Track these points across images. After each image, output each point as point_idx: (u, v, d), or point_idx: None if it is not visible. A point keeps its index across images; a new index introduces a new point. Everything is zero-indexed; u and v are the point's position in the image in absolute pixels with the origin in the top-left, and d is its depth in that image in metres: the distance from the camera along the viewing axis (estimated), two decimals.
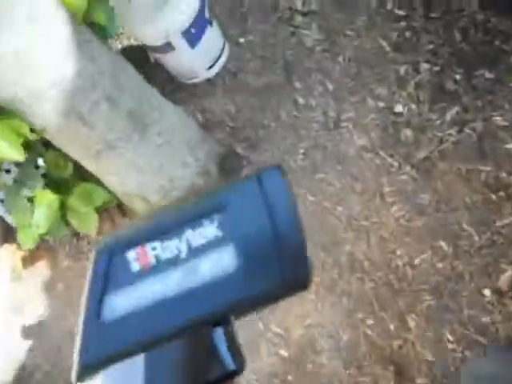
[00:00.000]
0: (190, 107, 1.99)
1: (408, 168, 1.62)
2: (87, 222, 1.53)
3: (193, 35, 1.79)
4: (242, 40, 2.04)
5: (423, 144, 1.64)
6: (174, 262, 0.26)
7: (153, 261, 0.26)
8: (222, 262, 0.26)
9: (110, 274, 0.26)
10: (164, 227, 0.27)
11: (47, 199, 1.46)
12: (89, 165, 1.35)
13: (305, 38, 1.97)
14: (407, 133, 1.67)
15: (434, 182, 1.58)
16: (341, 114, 1.77)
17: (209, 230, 0.27)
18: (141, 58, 2.03)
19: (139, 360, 0.24)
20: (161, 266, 0.26)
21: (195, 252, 0.26)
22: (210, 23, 1.87)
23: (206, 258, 0.26)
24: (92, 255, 0.27)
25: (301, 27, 1.99)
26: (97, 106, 1.17)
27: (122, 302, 0.26)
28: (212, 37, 1.88)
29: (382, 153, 1.66)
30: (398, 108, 1.72)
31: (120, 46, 2.16)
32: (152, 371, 0.24)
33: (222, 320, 0.26)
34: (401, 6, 1.91)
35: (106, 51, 1.19)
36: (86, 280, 0.27)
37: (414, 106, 1.70)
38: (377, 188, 1.62)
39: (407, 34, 1.86)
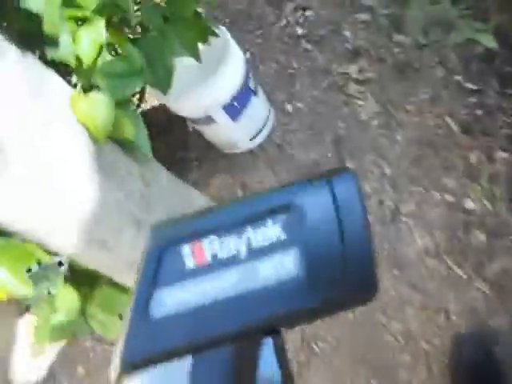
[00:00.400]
0: (229, 181, 1.81)
1: (479, 282, 1.37)
2: (110, 329, 1.36)
3: (235, 108, 1.60)
4: (288, 107, 1.84)
5: (499, 253, 1.39)
6: (231, 261, 0.24)
7: (209, 258, 0.25)
8: (283, 266, 0.24)
9: (161, 267, 0.24)
10: (224, 222, 0.25)
11: (69, 298, 1.31)
12: (114, 277, 1.18)
13: (359, 110, 1.75)
14: (480, 237, 1.43)
15: (510, 303, 1.32)
16: (400, 206, 1.54)
17: (272, 231, 0.25)
18: (178, 123, 1.87)
19: (184, 363, 0.22)
20: (217, 265, 0.24)
21: (255, 253, 0.24)
22: (255, 93, 1.68)
23: (267, 261, 0.24)
24: (144, 244, 0.25)
25: (355, 96, 1.78)
26: (121, 233, 0.99)
27: (172, 299, 0.24)
28: (256, 108, 1.69)
29: (448, 260, 1.42)
30: (469, 204, 1.48)
31: (151, 107, 2.01)
32: (196, 376, 0.22)
33: (275, 330, 0.24)
34: (472, 78, 1.67)
35: (136, 168, 1.01)
36: (137, 272, 0.25)
37: (488, 204, 1.46)
38: (441, 303, 1.38)
39: (479, 112, 1.62)
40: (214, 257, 0.25)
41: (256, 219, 0.25)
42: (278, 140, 1.80)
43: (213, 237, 0.25)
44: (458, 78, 1.69)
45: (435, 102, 1.66)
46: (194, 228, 0.26)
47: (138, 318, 0.24)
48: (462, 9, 1.78)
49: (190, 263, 0.25)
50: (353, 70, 1.81)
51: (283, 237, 0.24)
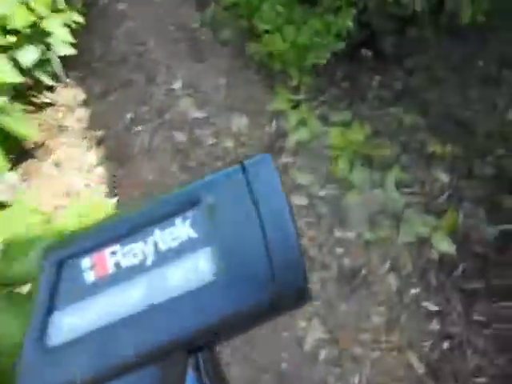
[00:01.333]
0: None
1: None
2: None
3: None
4: None
5: None
6: (137, 270, 0.21)
7: (111, 269, 0.21)
8: (196, 269, 0.20)
9: (59, 286, 0.20)
10: (126, 228, 0.21)
11: None
12: None
13: (300, 335, 1.41)
14: None
15: None
16: None
17: (181, 230, 0.21)
18: None
19: None
20: (121, 276, 0.21)
21: (164, 257, 0.21)
22: None
23: (178, 265, 0.21)
24: (39, 263, 0.21)
25: (295, 318, 1.44)
26: None
27: (71, 322, 0.20)
28: None
29: None
30: None
31: None
32: None
33: (200, 345, 0.20)
34: (430, 293, 1.41)
35: None
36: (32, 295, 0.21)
37: None
38: None
39: (445, 345, 1.35)
40: (117, 266, 0.21)
41: (162, 220, 0.21)
42: None
43: (115, 244, 0.21)
44: (415, 291, 1.41)
45: (391, 329, 1.37)
46: (94, 238, 0.21)
47: (33, 347, 0.19)
48: (408, 194, 1.52)
49: (90, 277, 0.21)
50: None
51: (194, 235, 0.21)
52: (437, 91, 1.76)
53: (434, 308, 1.39)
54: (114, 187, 1.80)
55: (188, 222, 0.21)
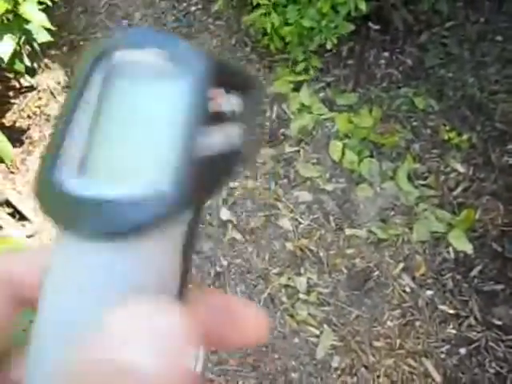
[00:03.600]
0: None
1: None
2: None
3: None
4: None
5: None
6: None
7: None
8: None
9: None
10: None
11: None
12: None
13: (313, 344, 1.36)
14: None
15: None
16: None
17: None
18: None
19: None
20: None
21: None
22: None
23: None
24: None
25: (307, 323, 1.37)
26: None
27: None
28: None
29: None
30: None
31: None
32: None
33: None
34: (446, 295, 1.34)
35: None
36: None
37: None
38: None
39: (462, 351, 1.29)
40: None
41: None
42: None
43: None
44: (430, 293, 1.34)
45: (406, 334, 1.31)
46: None
47: None
48: (421, 186, 1.42)
49: None
50: (299, 283, 1.39)
51: None
52: (451, 70, 1.62)
53: (451, 311, 1.32)
54: None
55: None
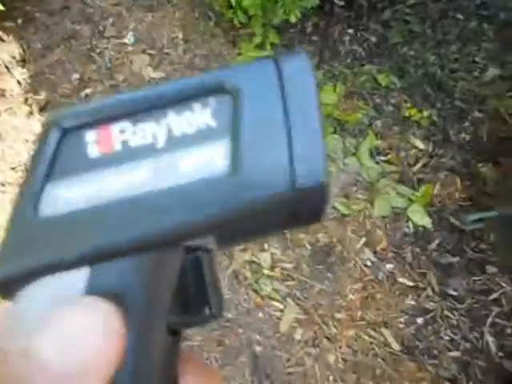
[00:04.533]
0: None
1: None
2: None
3: None
4: None
5: None
6: (145, 151, 0.19)
7: (118, 147, 0.19)
8: (211, 160, 0.18)
9: (59, 155, 0.19)
10: (139, 105, 0.19)
11: None
12: None
13: (276, 317, 1.38)
14: None
15: None
16: None
17: (199, 117, 0.19)
18: None
19: (82, 274, 0.17)
20: (127, 155, 0.19)
21: (177, 143, 0.19)
22: None
23: (190, 153, 0.19)
24: (41, 127, 0.20)
25: (271, 298, 1.40)
26: None
27: (69, 194, 0.19)
28: None
29: None
30: None
31: None
32: (95, 291, 0.17)
33: (199, 243, 0.19)
34: (405, 268, 1.39)
35: None
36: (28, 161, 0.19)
37: None
38: None
39: (419, 320, 1.35)
40: (125, 145, 0.19)
41: (180, 102, 0.19)
42: None
43: (125, 122, 0.19)
44: (390, 267, 1.38)
45: (367, 306, 1.35)
46: (102, 111, 0.19)
47: (25, 214, 0.18)
48: (383, 162, 1.45)
49: (93, 152, 0.19)
50: (263, 259, 1.40)
51: (214, 124, 0.19)
52: (414, 48, 1.64)
53: (410, 284, 1.36)
54: None
55: (208, 110, 0.19)
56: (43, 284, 0.17)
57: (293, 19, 1.36)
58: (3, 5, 1.51)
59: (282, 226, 0.20)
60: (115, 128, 0.19)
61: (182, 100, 0.19)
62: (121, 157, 0.19)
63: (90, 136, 0.19)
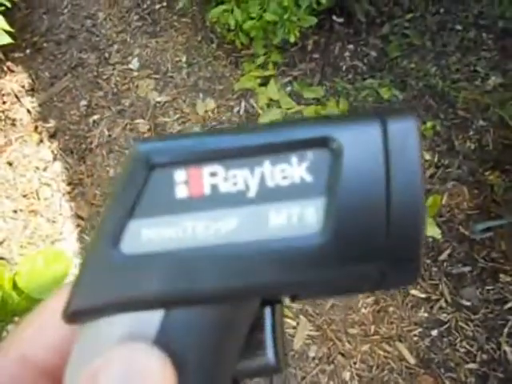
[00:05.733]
0: None
1: None
2: None
3: None
4: None
5: None
6: (235, 199, 0.18)
7: (207, 190, 0.18)
8: (302, 218, 0.18)
9: (145, 192, 0.18)
10: (233, 148, 0.18)
11: None
12: None
13: (289, 333, 1.37)
14: None
15: None
16: None
17: (295, 170, 0.18)
18: None
19: (154, 315, 0.17)
20: (216, 201, 0.18)
21: (269, 194, 0.18)
22: None
23: (282, 207, 0.18)
24: (127, 157, 0.18)
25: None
26: None
27: (153, 234, 0.18)
28: None
29: None
30: None
31: None
32: (168, 333, 0.17)
33: (276, 298, 0.19)
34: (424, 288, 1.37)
35: None
36: (111, 194, 0.18)
37: None
38: None
39: (434, 333, 1.33)
40: (215, 189, 0.18)
41: (277, 152, 0.18)
42: None
43: (217, 165, 0.18)
44: None
45: (380, 320, 1.34)
46: (195, 149, 0.18)
47: (105, 249, 0.18)
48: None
49: (182, 193, 0.18)
50: None
51: (309, 180, 0.18)
52: (414, 60, 1.65)
53: (422, 295, 1.35)
54: (74, 186, 1.66)
55: (305, 164, 0.18)
56: (114, 321, 0.18)
57: (292, 39, 1.39)
58: (12, 37, 1.56)
59: (363, 293, 0.20)
60: (207, 170, 0.18)
61: (279, 149, 0.18)
62: (209, 202, 0.18)
63: (180, 176, 0.18)
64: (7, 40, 1.49)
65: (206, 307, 0.18)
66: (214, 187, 0.18)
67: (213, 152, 0.18)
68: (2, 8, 1.63)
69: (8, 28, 1.45)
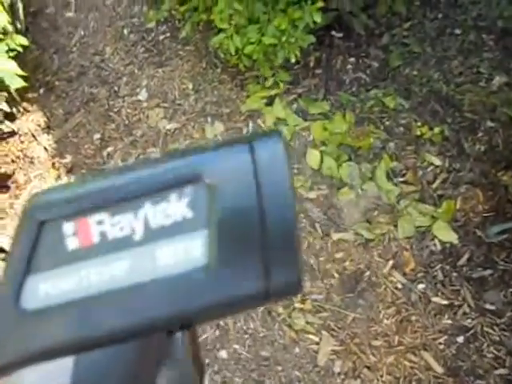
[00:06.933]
0: None
1: None
2: None
3: None
4: (222, 352, 1.41)
5: None
6: (124, 244, 0.19)
7: (96, 239, 0.19)
8: (188, 252, 0.19)
9: (38, 247, 0.19)
10: (116, 194, 0.19)
11: None
12: None
13: (313, 350, 1.37)
14: None
15: None
16: None
17: (175, 208, 0.19)
18: None
19: (65, 362, 0.18)
20: (106, 248, 0.19)
21: (154, 235, 0.19)
22: None
23: (168, 245, 0.19)
24: (20, 218, 0.20)
25: (305, 331, 1.39)
26: None
27: (49, 288, 0.19)
28: None
29: None
30: None
31: None
32: (80, 378, 0.18)
33: (182, 326, 0.20)
34: (438, 287, 1.36)
35: None
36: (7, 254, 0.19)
37: None
38: None
39: (459, 339, 1.31)
40: (103, 237, 0.19)
41: (157, 192, 0.19)
42: None
43: (102, 213, 0.19)
44: (422, 287, 1.37)
45: (403, 330, 1.33)
46: (81, 200, 0.19)
47: (6, 310, 0.18)
48: (401, 183, 1.45)
49: (73, 244, 0.19)
50: None
51: (190, 216, 0.19)
52: (416, 67, 1.66)
53: (444, 302, 1.34)
54: None
55: (184, 200, 0.19)
56: (25, 375, 0.18)
57: (293, 59, 1.42)
58: (25, 79, 1.63)
59: (255, 308, 0.22)
60: (93, 219, 0.19)
61: (158, 190, 0.19)
62: (100, 249, 0.19)
63: (69, 228, 0.19)
64: (20, 83, 1.56)
65: (113, 348, 0.19)
66: (103, 234, 0.19)
67: (97, 200, 0.19)
68: (14, 52, 1.71)
69: (21, 72, 1.52)
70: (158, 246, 0.19)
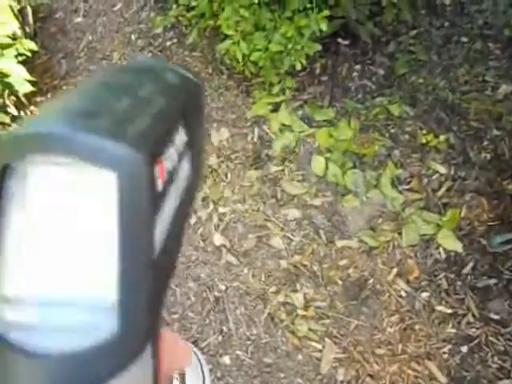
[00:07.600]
0: None
1: None
2: None
3: None
4: (225, 358, 1.41)
5: None
6: None
7: None
8: None
9: None
10: None
11: None
12: None
13: (316, 357, 1.37)
14: None
15: None
16: None
17: None
18: None
19: None
20: None
21: None
22: None
23: None
24: None
25: (308, 338, 1.39)
26: None
27: None
28: None
29: None
30: None
31: None
32: None
33: None
34: (442, 296, 1.36)
35: None
36: None
37: None
38: None
39: (463, 349, 1.30)
40: None
41: None
42: None
43: None
44: (426, 295, 1.36)
45: (407, 338, 1.32)
46: None
47: None
48: (406, 190, 1.45)
49: None
50: (297, 299, 1.40)
51: None
52: (422, 75, 1.67)
53: (448, 311, 1.34)
54: None
55: None
56: None
57: (299, 66, 1.42)
58: (33, 84, 1.65)
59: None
60: None
61: None
62: None
63: None
64: (28, 88, 1.58)
65: None
66: None
67: None
68: (23, 57, 1.72)
69: (29, 77, 1.54)
70: None
